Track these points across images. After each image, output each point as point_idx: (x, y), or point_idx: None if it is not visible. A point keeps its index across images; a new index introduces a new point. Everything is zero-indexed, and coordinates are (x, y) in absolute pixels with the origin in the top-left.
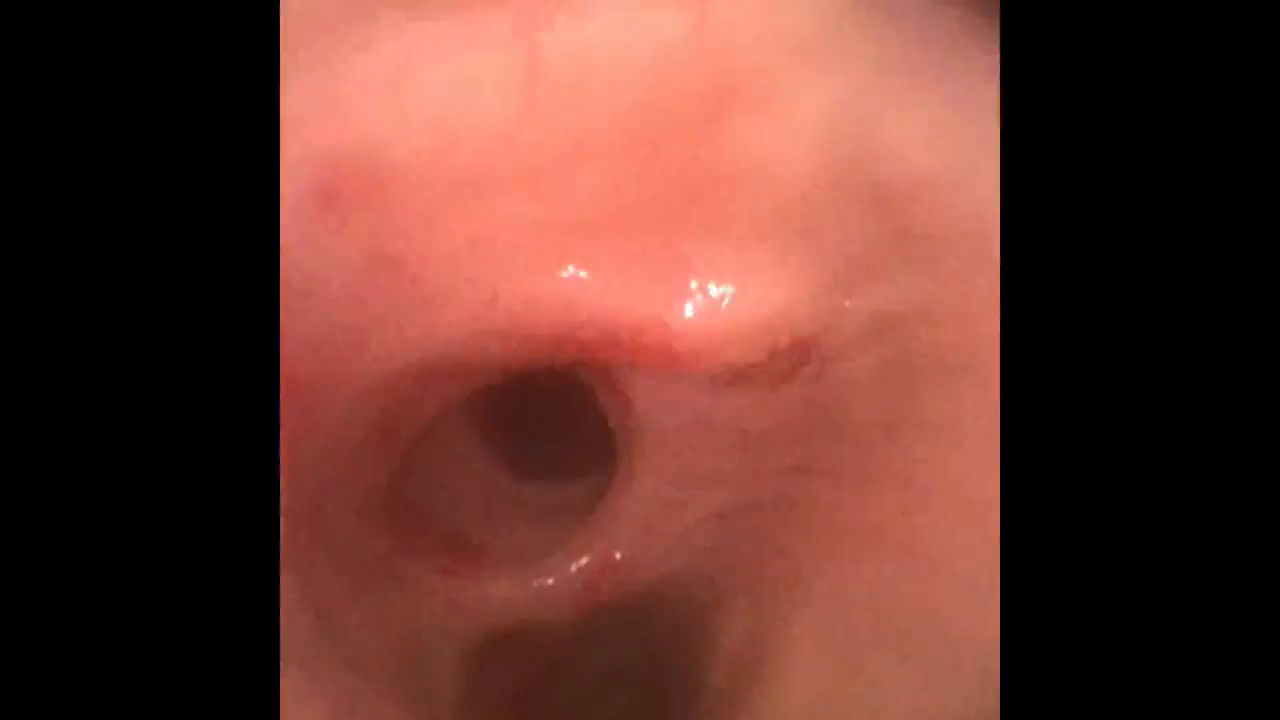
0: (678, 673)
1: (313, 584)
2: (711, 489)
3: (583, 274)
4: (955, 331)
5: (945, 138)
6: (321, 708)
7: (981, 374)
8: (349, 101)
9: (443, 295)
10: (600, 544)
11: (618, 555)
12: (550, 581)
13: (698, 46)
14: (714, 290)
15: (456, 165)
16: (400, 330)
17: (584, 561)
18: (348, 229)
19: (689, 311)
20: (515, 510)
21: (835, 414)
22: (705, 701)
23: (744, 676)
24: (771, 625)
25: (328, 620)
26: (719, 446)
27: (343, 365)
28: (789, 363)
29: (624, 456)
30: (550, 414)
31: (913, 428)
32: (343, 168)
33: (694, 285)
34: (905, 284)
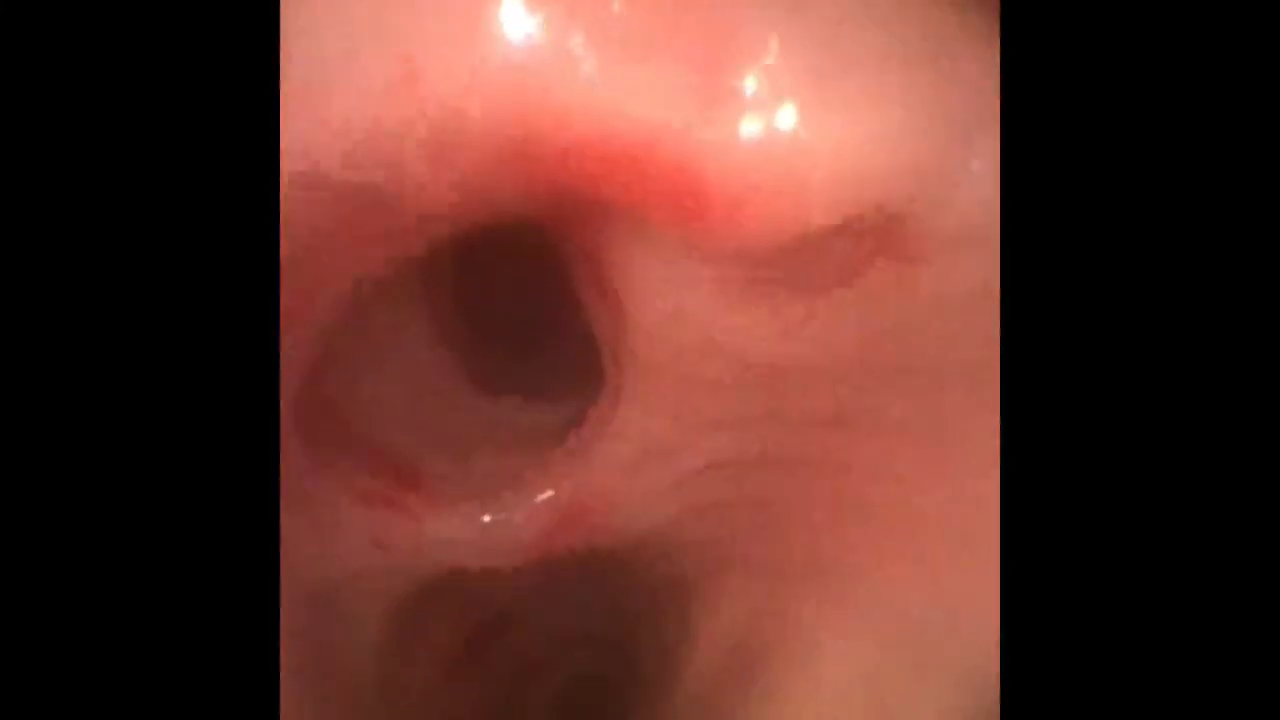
0: (651, 644)
1: None
2: (719, 432)
3: (570, 47)
4: None
5: None
6: None
7: None
8: None
9: (332, 64)
10: (570, 481)
11: (590, 498)
12: (504, 520)
13: None
14: (773, 108)
15: None
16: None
17: (547, 498)
18: None
19: (733, 131)
20: (469, 429)
21: (903, 343)
22: (686, 681)
23: (744, 666)
24: (785, 615)
25: None
26: (737, 377)
27: None
28: (864, 248)
29: (610, 374)
30: (522, 313)
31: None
32: None
33: (744, 92)
34: None
